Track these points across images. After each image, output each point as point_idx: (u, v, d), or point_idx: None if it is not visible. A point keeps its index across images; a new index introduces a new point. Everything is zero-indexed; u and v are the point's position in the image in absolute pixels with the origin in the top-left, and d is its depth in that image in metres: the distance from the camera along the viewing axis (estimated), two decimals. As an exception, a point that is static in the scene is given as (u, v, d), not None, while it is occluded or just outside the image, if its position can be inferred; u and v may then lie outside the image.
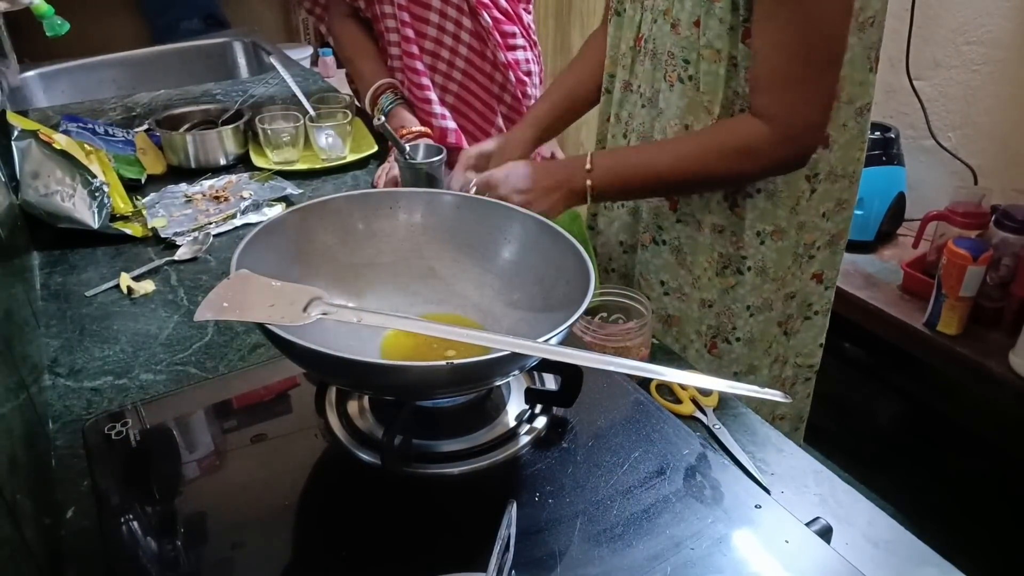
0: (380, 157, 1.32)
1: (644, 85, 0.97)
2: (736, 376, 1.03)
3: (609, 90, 1.04)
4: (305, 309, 0.55)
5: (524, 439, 0.61)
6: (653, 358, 0.83)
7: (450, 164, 1.13)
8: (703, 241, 0.98)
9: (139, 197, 1.19)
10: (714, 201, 0.96)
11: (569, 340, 0.73)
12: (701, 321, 1.02)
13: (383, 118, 1.11)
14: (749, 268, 0.97)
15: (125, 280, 0.96)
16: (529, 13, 1.39)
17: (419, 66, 1.29)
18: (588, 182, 0.90)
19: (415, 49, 1.29)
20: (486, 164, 1.05)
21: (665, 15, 0.90)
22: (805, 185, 0.93)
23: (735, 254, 0.97)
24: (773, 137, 0.82)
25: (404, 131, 1.22)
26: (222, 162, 1.31)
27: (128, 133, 1.36)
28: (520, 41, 1.36)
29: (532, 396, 0.65)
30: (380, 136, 1.34)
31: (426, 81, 1.30)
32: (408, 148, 1.08)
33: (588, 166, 0.91)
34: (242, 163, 1.33)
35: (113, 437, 0.62)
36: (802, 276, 0.99)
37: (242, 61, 2.12)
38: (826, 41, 0.79)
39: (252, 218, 1.13)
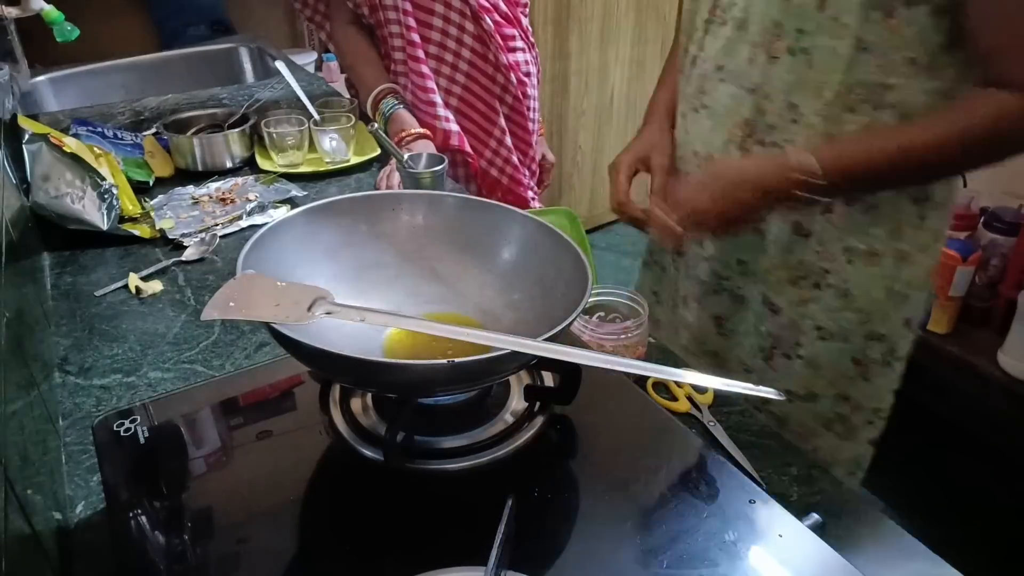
0: (383, 160, 1.33)
1: (723, 58, 0.86)
2: (791, 396, 0.95)
3: (681, 69, 0.96)
4: (309, 308, 0.56)
5: (523, 436, 0.62)
6: (649, 356, 0.84)
7: (453, 175, 1.14)
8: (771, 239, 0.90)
9: (147, 199, 1.21)
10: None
11: (568, 339, 0.74)
12: (761, 320, 0.95)
13: (376, 124, 1.12)
14: (829, 285, 0.88)
15: (133, 280, 0.97)
16: (526, 16, 1.41)
17: (424, 69, 1.31)
18: (817, 179, 0.76)
19: (420, 53, 1.30)
20: (646, 169, 0.99)
21: None
22: (911, 208, 0.84)
23: (816, 265, 0.88)
24: None
25: (404, 133, 1.24)
26: (228, 165, 1.32)
27: (136, 136, 1.37)
28: (519, 43, 1.37)
29: (532, 394, 0.65)
30: (383, 139, 1.35)
31: (431, 84, 1.31)
32: (409, 156, 1.10)
33: (811, 165, 0.76)
34: (248, 166, 1.34)
35: (122, 434, 0.62)
36: (894, 318, 0.90)
37: (248, 66, 2.14)
38: None
39: (258, 219, 1.15)
